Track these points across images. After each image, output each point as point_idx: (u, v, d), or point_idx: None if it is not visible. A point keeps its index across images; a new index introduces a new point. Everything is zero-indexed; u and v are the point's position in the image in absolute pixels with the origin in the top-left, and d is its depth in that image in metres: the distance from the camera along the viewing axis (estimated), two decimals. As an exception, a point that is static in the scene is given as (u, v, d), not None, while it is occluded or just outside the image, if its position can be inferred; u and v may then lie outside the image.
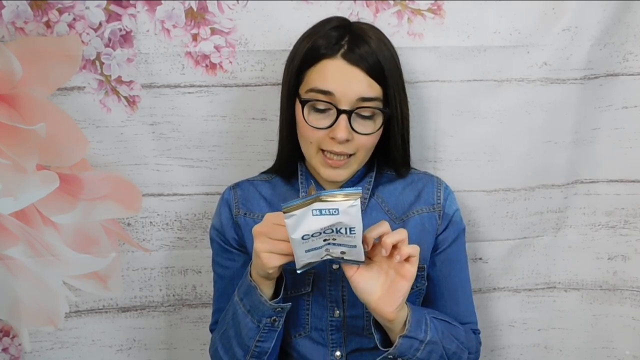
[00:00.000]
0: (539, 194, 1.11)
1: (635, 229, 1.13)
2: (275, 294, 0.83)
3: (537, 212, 1.12)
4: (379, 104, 0.85)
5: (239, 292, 0.84)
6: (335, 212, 0.70)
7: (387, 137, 0.89)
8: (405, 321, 0.79)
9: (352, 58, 0.82)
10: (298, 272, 0.77)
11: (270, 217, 0.77)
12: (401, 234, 0.75)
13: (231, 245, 0.94)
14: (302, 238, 0.71)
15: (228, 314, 0.87)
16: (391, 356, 0.80)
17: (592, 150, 1.10)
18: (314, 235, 0.72)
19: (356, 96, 0.82)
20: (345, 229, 0.72)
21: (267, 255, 0.76)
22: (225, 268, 0.95)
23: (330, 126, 0.83)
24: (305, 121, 0.84)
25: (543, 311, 1.17)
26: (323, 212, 0.70)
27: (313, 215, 0.70)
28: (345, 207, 0.70)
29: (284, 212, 0.70)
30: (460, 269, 0.95)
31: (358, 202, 0.70)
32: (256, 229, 0.78)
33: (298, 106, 0.86)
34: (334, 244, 0.74)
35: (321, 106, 0.83)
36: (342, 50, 0.83)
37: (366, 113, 0.84)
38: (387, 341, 0.82)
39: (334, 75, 0.82)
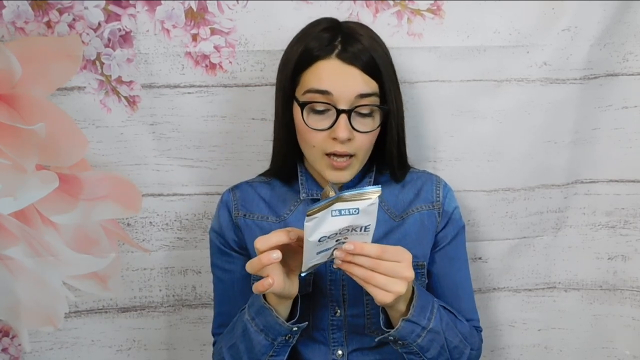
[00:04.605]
0: (538, 194, 1.11)
1: (635, 229, 1.13)
2: (291, 313, 0.82)
3: (537, 212, 1.12)
4: (377, 100, 0.85)
5: (249, 311, 0.83)
6: (355, 211, 0.70)
7: (384, 134, 0.89)
8: (410, 305, 0.79)
9: (347, 57, 0.82)
10: (302, 275, 0.77)
11: (256, 241, 0.74)
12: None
13: (231, 248, 0.94)
14: (319, 240, 0.71)
15: (237, 330, 0.85)
16: (392, 338, 0.80)
17: (592, 150, 1.10)
18: (330, 236, 0.71)
19: (354, 94, 0.82)
20: (361, 227, 0.72)
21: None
22: (225, 271, 0.95)
23: (331, 127, 0.83)
24: (306, 123, 0.84)
25: (543, 311, 1.17)
26: (343, 212, 0.69)
27: (332, 216, 0.69)
28: (366, 205, 0.70)
29: (308, 216, 0.69)
30: (460, 266, 0.95)
31: (377, 199, 0.70)
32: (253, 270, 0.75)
33: (296, 109, 0.86)
34: (343, 243, 0.74)
35: (320, 107, 0.83)
36: (336, 51, 0.83)
37: (365, 111, 0.84)
38: (390, 323, 0.82)
39: (330, 75, 0.82)
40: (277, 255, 0.72)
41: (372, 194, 0.70)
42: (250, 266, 0.74)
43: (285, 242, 0.73)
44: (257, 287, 0.74)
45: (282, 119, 0.89)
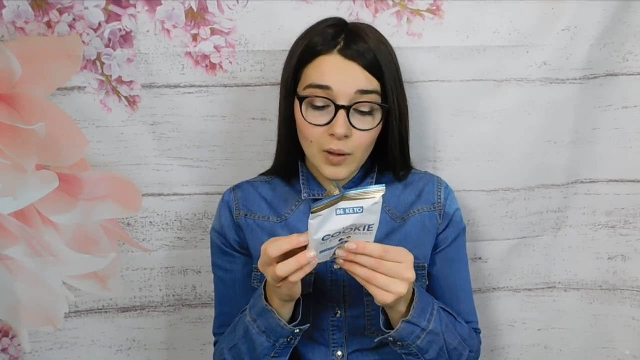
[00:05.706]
0: (538, 194, 1.11)
1: (635, 229, 1.13)
2: (293, 314, 0.82)
3: (537, 212, 1.12)
4: (377, 98, 0.84)
5: (251, 312, 0.82)
6: (359, 210, 0.70)
7: (386, 135, 0.89)
8: (411, 307, 0.79)
9: (349, 54, 0.82)
10: None
11: (267, 248, 0.74)
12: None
13: (232, 248, 0.94)
14: (323, 239, 0.71)
15: (238, 331, 0.85)
16: (391, 339, 0.80)
17: (592, 150, 1.10)
18: (334, 235, 0.71)
19: (354, 89, 0.82)
20: (364, 226, 0.72)
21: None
22: (226, 271, 0.95)
23: (329, 123, 0.83)
24: (304, 118, 0.84)
25: (543, 311, 1.17)
26: (347, 211, 0.70)
27: (337, 214, 0.70)
28: (370, 204, 0.70)
29: (312, 213, 0.69)
30: (460, 268, 0.95)
31: (381, 199, 0.70)
32: (262, 264, 0.75)
33: (297, 105, 0.85)
34: (346, 242, 0.74)
35: (319, 103, 0.83)
36: (338, 47, 0.83)
37: (365, 109, 0.84)
38: (390, 324, 0.82)
39: (331, 70, 0.82)
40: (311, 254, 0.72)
41: (377, 193, 0.70)
42: (286, 267, 0.72)
43: (296, 247, 0.72)
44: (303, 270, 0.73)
45: (284, 115, 0.89)
